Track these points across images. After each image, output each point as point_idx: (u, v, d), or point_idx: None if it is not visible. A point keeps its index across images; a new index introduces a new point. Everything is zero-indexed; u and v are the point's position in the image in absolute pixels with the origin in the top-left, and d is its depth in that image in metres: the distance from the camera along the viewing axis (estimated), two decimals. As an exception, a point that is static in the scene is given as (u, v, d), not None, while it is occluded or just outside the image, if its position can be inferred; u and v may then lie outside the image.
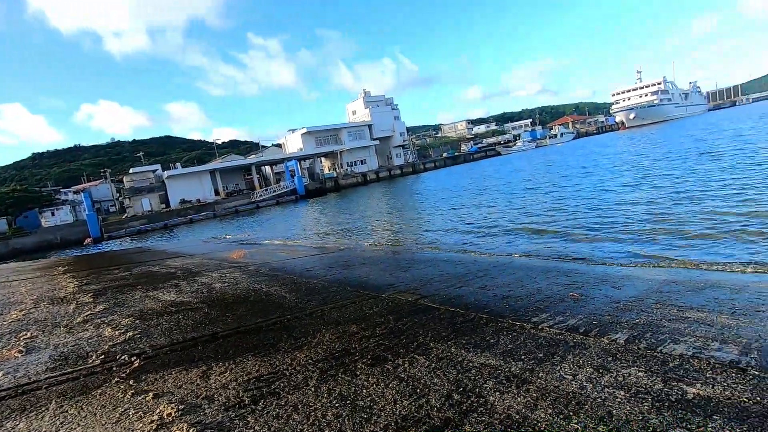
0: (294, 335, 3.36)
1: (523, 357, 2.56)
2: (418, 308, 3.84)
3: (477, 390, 2.18)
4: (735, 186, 10.93)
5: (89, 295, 6.11)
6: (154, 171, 62.11)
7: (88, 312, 4.91)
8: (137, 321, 4.27)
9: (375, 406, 2.10)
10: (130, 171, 61.01)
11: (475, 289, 4.40)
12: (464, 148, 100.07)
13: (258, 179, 62.83)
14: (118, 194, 70.26)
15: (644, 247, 6.75)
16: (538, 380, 2.24)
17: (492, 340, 2.88)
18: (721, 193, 10.16)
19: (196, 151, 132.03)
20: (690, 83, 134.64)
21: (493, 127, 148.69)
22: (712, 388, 2.01)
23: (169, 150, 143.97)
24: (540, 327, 3.07)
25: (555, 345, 2.71)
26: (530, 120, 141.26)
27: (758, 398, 1.88)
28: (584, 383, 2.16)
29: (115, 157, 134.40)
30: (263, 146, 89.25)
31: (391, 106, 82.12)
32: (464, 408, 2.01)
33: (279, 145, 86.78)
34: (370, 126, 75.74)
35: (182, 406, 2.28)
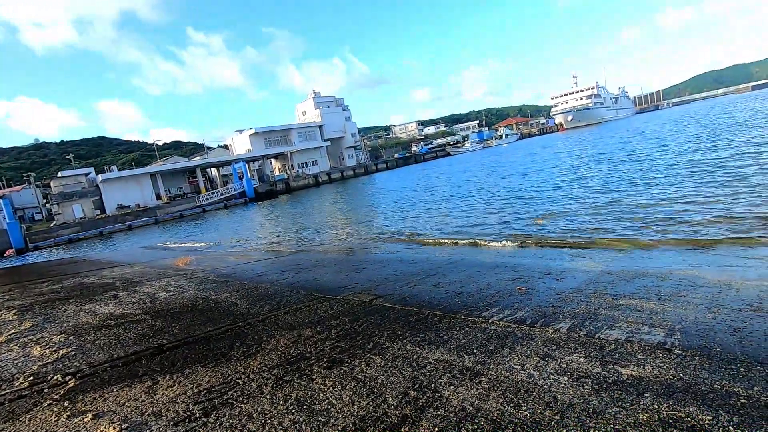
0: (247, 342, 3.26)
1: (475, 351, 2.65)
2: (374, 308, 3.86)
3: (432, 385, 2.23)
4: (657, 185, 11.97)
5: (13, 312, 5.56)
6: (86, 174, 57.43)
7: (12, 330, 4.47)
8: (71, 337, 3.95)
9: (332, 409, 2.09)
10: (59, 175, 55.98)
11: (428, 287, 4.50)
12: (415, 148, 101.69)
13: (204, 182, 60.10)
14: (45, 200, 64.32)
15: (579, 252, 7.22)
16: (490, 372, 2.33)
17: (446, 336, 2.96)
18: (640, 196, 11.02)
19: (134, 153, 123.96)
20: (619, 88, 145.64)
21: (442, 128, 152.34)
22: (643, 368, 2.19)
23: (103, 152, 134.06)
24: (490, 321, 3.19)
25: (504, 337, 2.83)
26: (477, 121, 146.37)
27: (681, 375, 2.08)
28: (532, 372, 2.28)
29: (40, 159, 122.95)
30: (209, 147, 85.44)
31: (342, 107, 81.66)
32: (420, 404, 2.05)
33: (225, 147, 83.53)
34: (320, 127, 74.87)
35: (126, 425, 2.14)
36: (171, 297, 5.38)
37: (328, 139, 74.83)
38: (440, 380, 2.29)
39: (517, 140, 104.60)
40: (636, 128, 50.81)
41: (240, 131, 71.83)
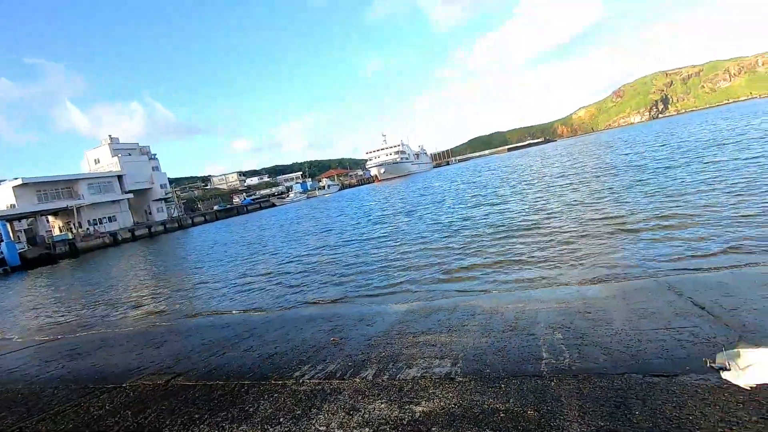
0: (-38, 481, 2.31)
1: (281, 420, 2.48)
2: (169, 391, 3.29)
3: (227, 476, 1.96)
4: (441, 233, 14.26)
5: None
6: None
7: None
8: None
9: None
10: None
11: (240, 353, 4.12)
12: (237, 200, 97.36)
13: (-68, 250, 43.81)
14: None
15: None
16: (294, 441, 2.19)
17: (251, 409, 2.70)
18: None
19: None
20: (419, 146, 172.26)
21: (266, 179, 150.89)
22: (433, 402, 2.40)
23: None
24: (301, 381, 3.07)
25: (314, 397, 2.75)
26: (301, 173, 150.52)
27: (461, 401, 2.35)
28: (336, 431, 2.24)
29: None
30: (-56, 203, 63.54)
31: (148, 156, 72.80)
32: (210, 504, 1.76)
33: (-26, 202, 63.62)
34: (120, 177, 64.73)
35: None
36: None
37: (130, 191, 65.05)
38: (238, 466, 2.02)
39: (339, 190, 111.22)
40: (427, 180, 60.00)
41: (-1, 182, 56.15)
